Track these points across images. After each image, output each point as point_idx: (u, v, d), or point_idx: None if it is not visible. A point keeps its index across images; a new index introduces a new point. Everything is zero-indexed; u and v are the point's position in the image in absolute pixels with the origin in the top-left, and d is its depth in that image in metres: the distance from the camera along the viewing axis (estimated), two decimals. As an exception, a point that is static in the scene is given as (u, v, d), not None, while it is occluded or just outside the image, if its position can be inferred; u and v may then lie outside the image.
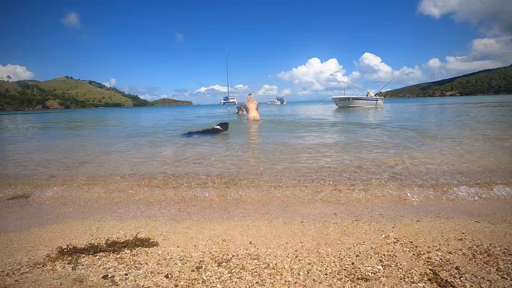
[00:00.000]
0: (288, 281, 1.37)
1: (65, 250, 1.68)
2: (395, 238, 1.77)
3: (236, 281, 1.38)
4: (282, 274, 1.43)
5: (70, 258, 1.62)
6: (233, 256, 1.62)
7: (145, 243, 1.77)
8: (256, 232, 1.93)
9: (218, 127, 7.78)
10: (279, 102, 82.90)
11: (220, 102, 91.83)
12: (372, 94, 26.92)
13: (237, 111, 17.77)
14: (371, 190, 2.73)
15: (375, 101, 25.93)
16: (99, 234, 1.94)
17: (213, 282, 1.38)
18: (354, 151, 4.75)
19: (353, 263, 1.51)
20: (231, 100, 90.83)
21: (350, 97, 25.40)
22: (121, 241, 1.80)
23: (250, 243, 1.77)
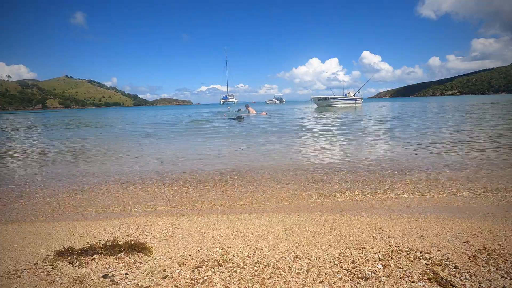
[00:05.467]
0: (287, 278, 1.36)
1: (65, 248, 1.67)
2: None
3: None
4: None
5: (70, 258, 1.60)
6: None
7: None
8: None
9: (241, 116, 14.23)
10: (278, 102, 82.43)
11: (220, 102, 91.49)
12: (351, 94, 27.27)
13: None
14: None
15: (354, 101, 26.23)
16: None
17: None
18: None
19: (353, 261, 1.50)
20: (230, 100, 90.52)
21: (328, 97, 25.80)
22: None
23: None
